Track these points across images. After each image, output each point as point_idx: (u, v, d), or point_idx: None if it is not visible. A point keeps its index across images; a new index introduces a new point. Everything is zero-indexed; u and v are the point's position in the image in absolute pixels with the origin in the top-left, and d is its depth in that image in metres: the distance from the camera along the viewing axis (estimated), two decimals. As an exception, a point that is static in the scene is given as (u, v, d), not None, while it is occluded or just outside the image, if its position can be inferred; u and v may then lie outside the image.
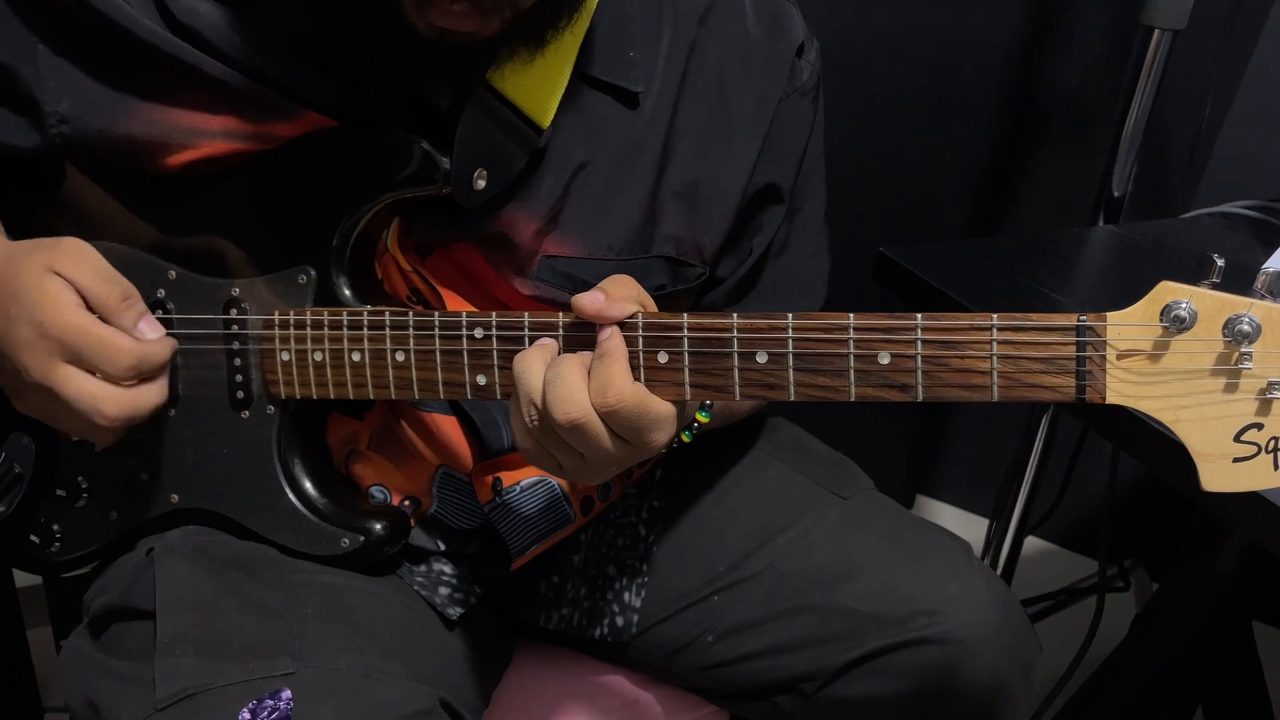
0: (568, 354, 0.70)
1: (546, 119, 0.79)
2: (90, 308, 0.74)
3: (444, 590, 0.91)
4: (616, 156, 0.84)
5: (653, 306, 0.72)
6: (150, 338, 0.76)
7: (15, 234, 0.81)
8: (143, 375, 0.75)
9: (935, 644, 0.87)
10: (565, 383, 0.68)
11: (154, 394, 0.77)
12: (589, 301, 0.69)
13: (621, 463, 0.71)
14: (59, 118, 0.77)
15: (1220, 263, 0.62)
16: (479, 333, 0.74)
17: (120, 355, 0.74)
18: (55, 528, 0.88)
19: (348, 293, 0.80)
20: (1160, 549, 1.84)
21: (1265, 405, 0.62)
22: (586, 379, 0.68)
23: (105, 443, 0.80)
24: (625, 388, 0.68)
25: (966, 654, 0.87)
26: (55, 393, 0.73)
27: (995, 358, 0.65)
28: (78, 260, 0.74)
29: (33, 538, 0.89)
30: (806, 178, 0.95)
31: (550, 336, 0.72)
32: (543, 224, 0.83)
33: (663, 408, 0.70)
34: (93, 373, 0.74)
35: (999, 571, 1.63)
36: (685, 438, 0.79)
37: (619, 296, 0.70)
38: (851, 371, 0.67)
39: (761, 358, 0.68)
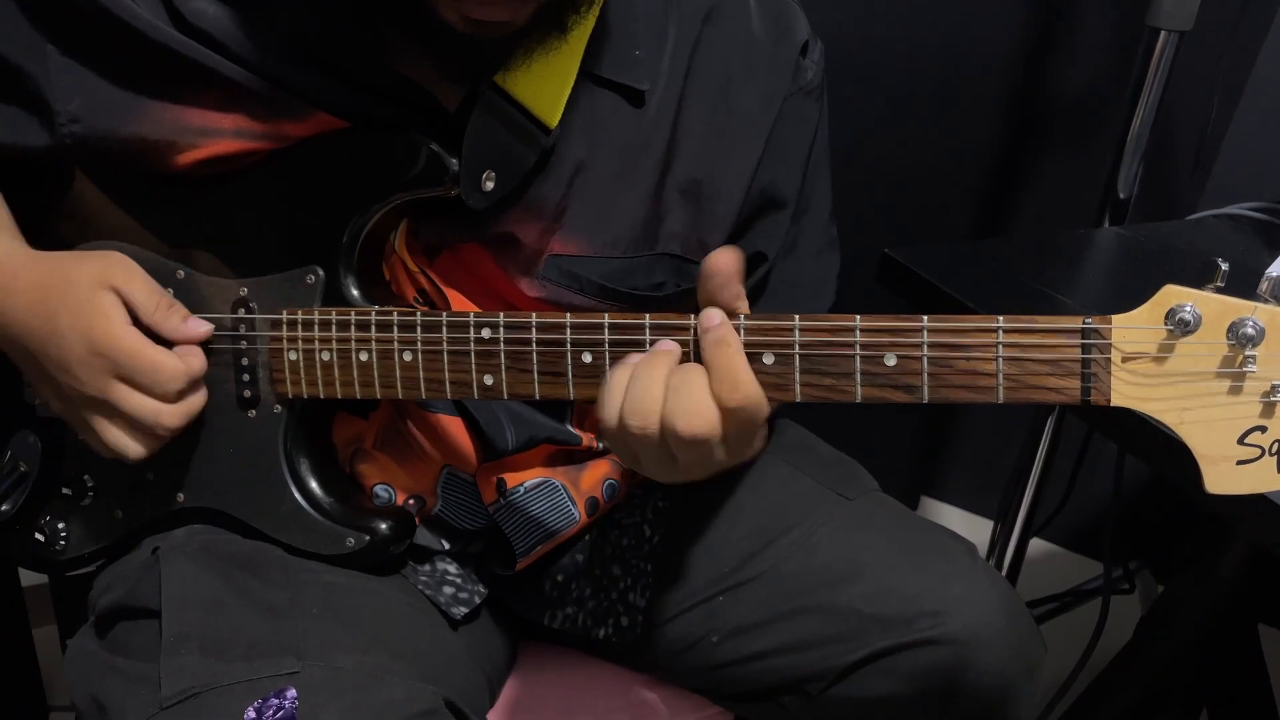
0: (693, 363, 0.68)
1: (554, 118, 0.80)
2: (138, 318, 0.77)
3: (448, 590, 0.91)
4: (621, 155, 0.84)
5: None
6: (199, 331, 0.79)
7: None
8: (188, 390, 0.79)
9: (940, 645, 0.87)
10: (692, 394, 0.66)
11: (201, 400, 0.80)
12: (727, 255, 0.67)
13: (713, 470, 0.70)
14: (69, 117, 0.77)
15: (1224, 266, 0.62)
16: (486, 333, 0.75)
17: (173, 380, 0.77)
18: (61, 526, 0.88)
19: (355, 293, 0.80)
20: (1165, 551, 1.84)
21: (1269, 408, 0.62)
22: (710, 389, 0.66)
23: (145, 455, 0.79)
24: (753, 385, 0.66)
25: (971, 655, 0.87)
26: (116, 407, 0.76)
27: (1001, 360, 0.65)
28: (130, 274, 0.77)
29: (38, 536, 0.89)
30: (811, 177, 0.95)
31: (675, 340, 0.69)
32: (549, 223, 0.83)
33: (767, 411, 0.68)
34: (145, 392, 0.76)
35: (1004, 573, 1.63)
36: None
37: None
38: (858, 373, 0.67)
39: (768, 359, 0.68)
